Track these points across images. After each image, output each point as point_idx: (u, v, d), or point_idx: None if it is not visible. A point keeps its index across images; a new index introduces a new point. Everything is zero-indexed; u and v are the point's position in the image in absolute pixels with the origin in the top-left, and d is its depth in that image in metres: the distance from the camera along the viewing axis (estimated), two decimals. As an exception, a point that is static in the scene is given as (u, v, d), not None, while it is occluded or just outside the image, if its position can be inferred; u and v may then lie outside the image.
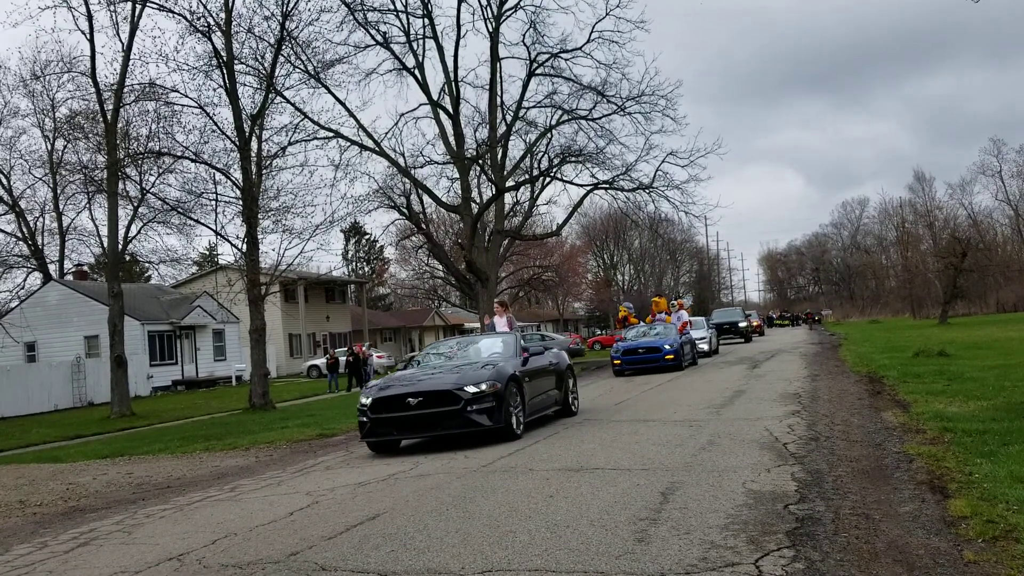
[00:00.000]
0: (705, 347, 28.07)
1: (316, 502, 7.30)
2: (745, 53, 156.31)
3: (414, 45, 31.74)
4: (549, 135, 33.00)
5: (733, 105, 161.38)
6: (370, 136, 30.78)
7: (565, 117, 32.72)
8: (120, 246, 25.64)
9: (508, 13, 32.42)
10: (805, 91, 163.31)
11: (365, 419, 10.31)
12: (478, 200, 34.28)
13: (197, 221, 26.51)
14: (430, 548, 5.22)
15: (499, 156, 33.02)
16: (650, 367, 21.36)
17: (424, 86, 31.94)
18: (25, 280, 39.07)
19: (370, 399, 10.32)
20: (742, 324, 42.21)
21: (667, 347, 21.62)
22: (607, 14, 31.02)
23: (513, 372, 10.47)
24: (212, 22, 24.10)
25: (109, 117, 23.76)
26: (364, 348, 34.59)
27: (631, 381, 19.28)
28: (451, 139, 32.32)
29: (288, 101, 27.18)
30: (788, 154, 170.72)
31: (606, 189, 33.59)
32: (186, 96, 25.03)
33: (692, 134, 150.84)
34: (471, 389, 9.89)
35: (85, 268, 42.43)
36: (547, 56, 32.47)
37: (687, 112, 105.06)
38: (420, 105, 33.01)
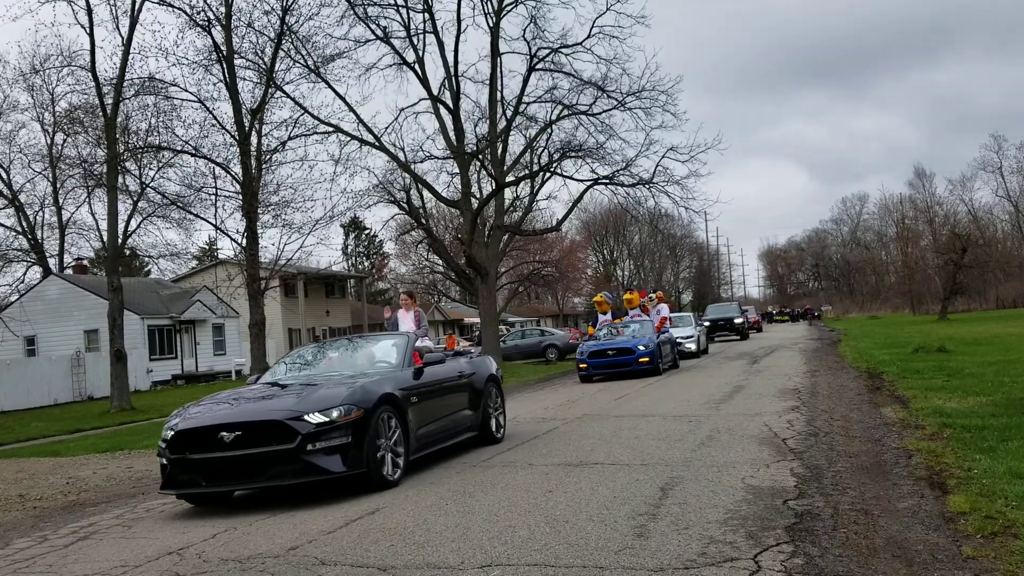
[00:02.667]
0: (691, 347, 25.64)
1: (315, 496, 7.29)
2: (747, 43, 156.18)
3: (414, 40, 31.68)
4: (549, 130, 32.95)
5: (734, 97, 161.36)
6: (370, 131, 30.75)
7: (565, 112, 32.67)
8: (120, 240, 25.61)
9: (508, 8, 32.36)
10: (808, 83, 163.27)
11: (164, 461, 7.29)
12: (478, 195, 34.25)
13: (197, 215, 26.53)
14: (429, 542, 5.22)
15: (499, 151, 32.99)
16: (622, 371, 18.62)
17: (424, 81, 31.90)
18: (25, 274, 39.13)
19: (171, 432, 7.28)
20: (738, 320, 40.41)
21: (641, 348, 18.76)
22: (608, 9, 30.97)
23: (388, 391, 7.55)
24: (212, 16, 24.10)
25: (109, 111, 23.71)
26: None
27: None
28: (451, 134, 32.29)
29: (288, 96, 27.16)
30: (790, 148, 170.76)
31: (606, 184, 33.55)
32: (186, 90, 24.97)
33: (692, 129, 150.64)
34: (314, 418, 6.89)
35: (85, 262, 42.43)
36: (547, 51, 32.41)
37: (688, 105, 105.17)
38: (420, 100, 32.89)
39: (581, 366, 19.25)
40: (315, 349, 9.90)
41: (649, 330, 20.11)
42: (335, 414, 6.98)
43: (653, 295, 24.30)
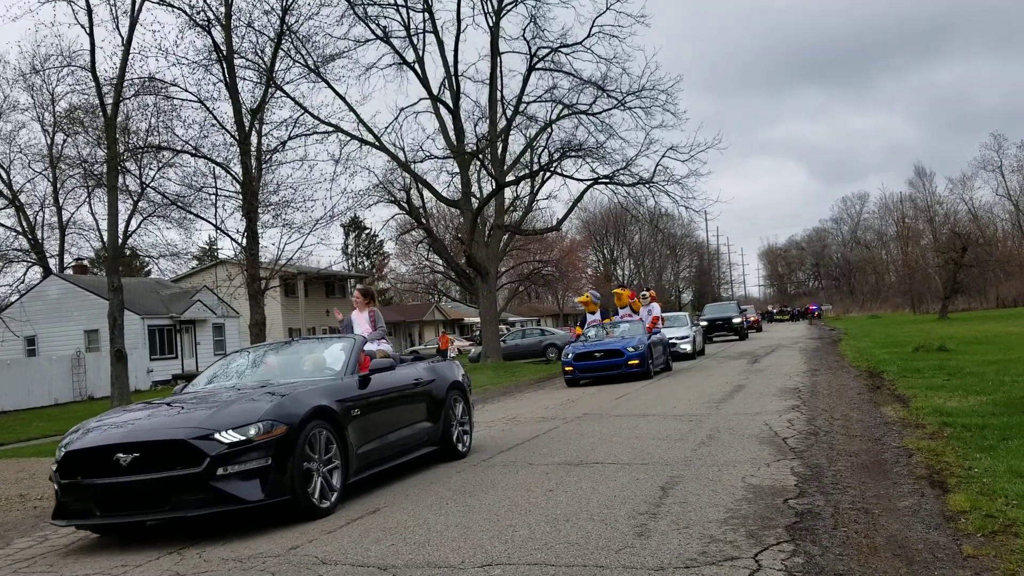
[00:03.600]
0: (687, 347, 24.40)
1: (316, 496, 7.30)
2: (747, 42, 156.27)
3: (414, 40, 31.70)
4: (549, 130, 32.97)
5: (734, 95, 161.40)
6: (370, 130, 30.77)
7: (565, 112, 32.69)
8: (120, 240, 25.61)
9: (508, 7, 32.37)
10: (808, 81, 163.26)
11: (56, 485, 6.35)
12: (478, 195, 34.26)
13: (197, 215, 26.53)
14: (430, 541, 5.23)
15: (499, 151, 33.00)
16: (610, 375, 17.55)
17: (424, 81, 31.91)
18: (25, 274, 39.17)
19: (63, 451, 6.31)
20: (736, 320, 38.90)
21: (630, 350, 17.65)
22: (607, 8, 31.00)
23: (321, 403, 6.57)
24: (212, 16, 24.09)
25: (109, 111, 23.71)
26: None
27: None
28: (451, 134, 32.30)
29: (288, 95, 27.16)
30: (790, 146, 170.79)
31: (606, 184, 33.57)
32: (186, 90, 24.96)
33: (693, 129, 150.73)
34: (226, 436, 5.94)
35: (85, 262, 42.46)
36: (547, 51, 32.44)
37: (688, 104, 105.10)
38: (420, 99, 32.93)
39: (567, 369, 18.12)
40: (252, 353, 8.63)
41: (639, 331, 19.05)
42: (252, 432, 5.99)
43: (645, 293, 22.64)
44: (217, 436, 5.95)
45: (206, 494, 5.85)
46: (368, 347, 8.38)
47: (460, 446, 8.69)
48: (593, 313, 21.25)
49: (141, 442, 6.02)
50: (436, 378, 8.64)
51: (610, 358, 17.64)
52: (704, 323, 36.65)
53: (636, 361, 17.45)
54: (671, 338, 22.68)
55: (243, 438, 5.97)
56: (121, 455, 5.93)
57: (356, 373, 7.47)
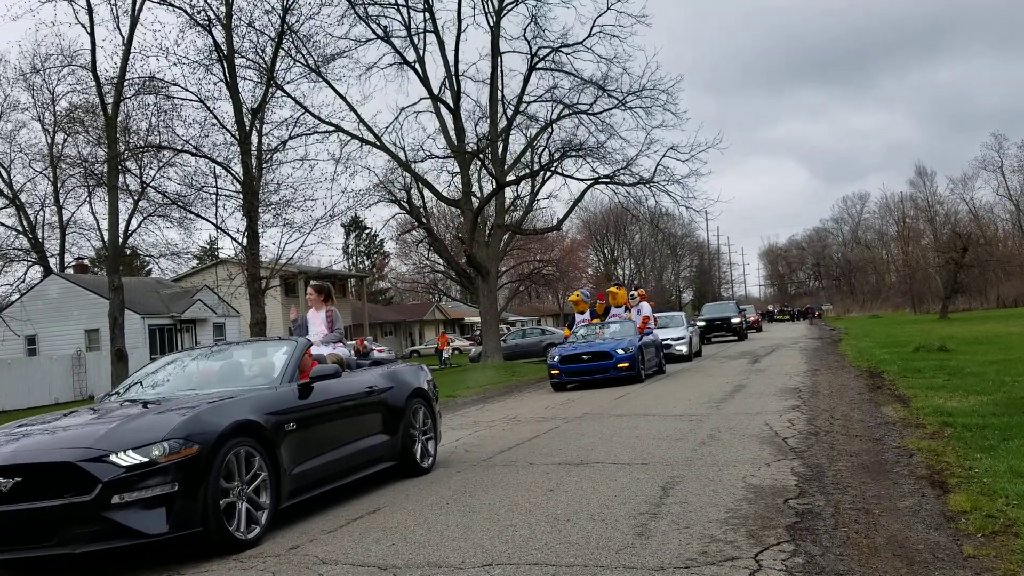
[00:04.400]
0: (682, 349, 23.39)
1: (316, 495, 7.29)
2: (748, 42, 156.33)
3: (415, 39, 31.71)
4: (550, 129, 32.99)
5: (735, 95, 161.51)
6: (371, 130, 30.77)
7: (566, 111, 32.71)
8: (120, 240, 25.65)
9: (509, 7, 32.39)
10: (809, 80, 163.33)
11: None
12: (479, 194, 34.27)
13: (197, 215, 26.58)
14: (430, 541, 5.23)
15: (500, 150, 33.01)
16: (598, 379, 16.63)
17: (425, 80, 31.91)
18: (25, 274, 39.20)
19: None
20: (735, 320, 37.78)
21: (620, 352, 16.70)
22: (608, 8, 31.02)
23: (246, 417, 5.74)
24: (213, 16, 24.13)
25: (109, 111, 23.75)
26: (365, 342, 34.69)
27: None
28: (452, 133, 32.31)
29: (288, 95, 27.19)
30: (791, 146, 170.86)
31: (607, 183, 33.58)
32: (186, 90, 25.02)
33: (693, 128, 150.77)
34: (124, 458, 5.12)
35: (85, 262, 42.48)
36: (548, 51, 32.45)
37: (689, 103, 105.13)
38: (421, 99, 32.95)
39: (552, 372, 17.14)
40: (186, 358, 7.78)
41: (630, 331, 18.14)
42: (156, 452, 5.15)
43: (635, 292, 21.31)
44: (113, 458, 5.08)
45: (99, 526, 4.99)
46: (320, 350, 7.73)
47: (422, 461, 7.82)
48: (583, 313, 20.40)
49: (23, 464, 5.12)
50: (394, 385, 7.73)
51: (598, 361, 16.71)
52: (702, 323, 36.04)
53: (626, 364, 16.55)
54: (665, 339, 21.98)
55: (144, 460, 5.10)
56: (1, 480, 5.06)
57: (295, 381, 6.60)
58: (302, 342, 7.30)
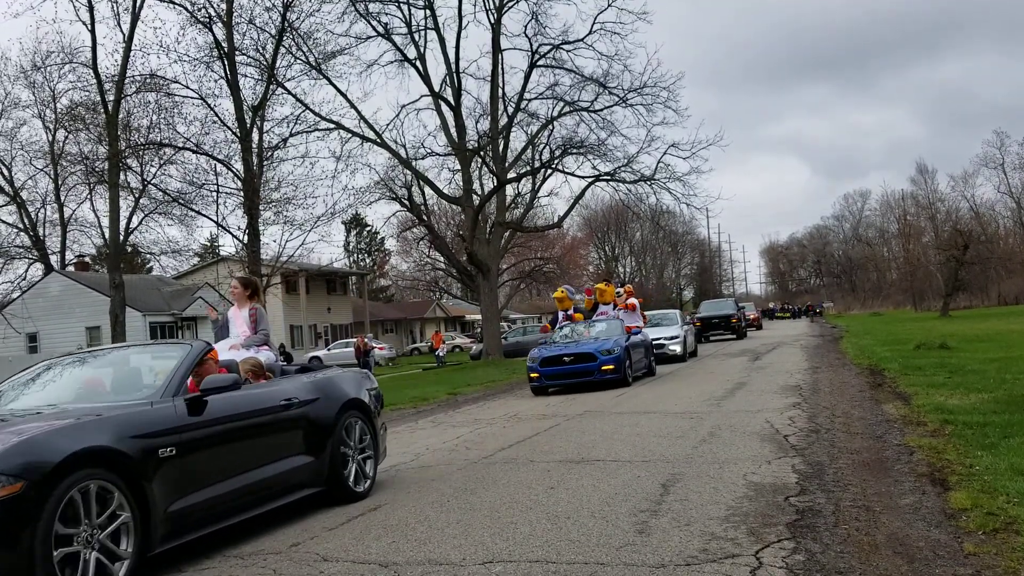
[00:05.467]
0: (676, 348, 22.31)
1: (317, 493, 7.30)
2: (750, 38, 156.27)
3: (415, 36, 31.73)
4: (550, 127, 33.03)
5: (737, 91, 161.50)
6: (371, 127, 30.80)
7: (567, 109, 32.74)
8: (121, 237, 25.68)
9: (510, 4, 32.40)
10: (811, 77, 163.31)
11: None
12: (479, 192, 34.29)
13: (198, 212, 26.60)
14: (431, 539, 5.23)
15: (500, 148, 33.02)
16: (581, 382, 15.51)
17: (425, 77, 31.91)
18: (27, 271, 39.22)
19: None
20: (734, 318, 36.36)
21: (604, 353, 15.53)
22: (609, 5, 31.07)
23: (94, 444, 4.55)
24: (213, 13, 24.14)
25: (110, 108, 23.77)
26: (366, 340, 34.73)
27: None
28: (452, 131, 32.33)
29: (289, 92, 27.22)
30: (793, 143, 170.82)
31: (608, 181, 33.63)
32: (187, 87, 25.07)
33: (694, 125, 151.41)
34: None
35: (86, 259, 42.53)
36: (549, 48, 32.49)
37: (690, 100, 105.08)
38: (421, 96, 33.01)
39: (532, 376, 15.94)
40: (59, 364, 6.46)
41: (617, 331, 16.97)
42: None
43: (621, 289, 20.09)
44: None
45: None
46: (231, 356, 6.76)
47: (356, 485, 6.71)
48: (567, 310, 19.46)
49: None
50: (321, 396, 6.57)
51: (581, 363, 15.54)
52: (700, 321, 35.22)
53: (611, 366, 15.39)
54: (658, 339, 21.09)
55: None
56: None
57: (182, 394, 5.46)
58: (197, 346, 6.04)
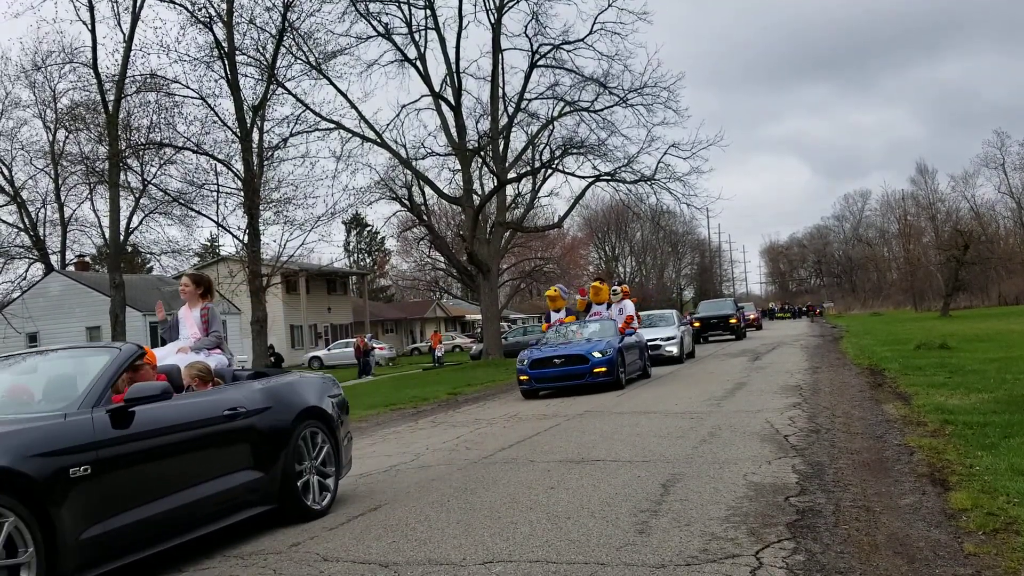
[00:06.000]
0: (672, 350, 21.60)
1: (318, 493, 7.30)
2: (750, 36, 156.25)
3: (416, 36, 31.74)
4: (551, 127, 33.04)
5: (737, 91, 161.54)
6: (372, 127, 30.80)
7: (567, 109, 32.75)
8: (121, 237, 25.70)
9: (510, 4, 32.41)
10: (811, 76, 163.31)
11: None
12: (480, 192, 34.30)
13: (198, 212, 26.62)
14: (431, 539, 5.23)
15: (501, 148, 33.03)
16: (572, 385, 14.94)
17: (426, 77, 31.92)
18: (27, 271, 39.20)
19: None
20: (733, 318, 35.59)
21: (596, 355, 14.90)
22: (609, 5, 31.08)
23: None
24: (214, 13, 24.16)
25: (110, 108, 23.77)
26: (366, 340, 34.73)
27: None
28: (453, 131, 32.34)
29: (290, 92, 27.23)
30: (793, 143, 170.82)
31: (608, 181, 33.64)
32: (187, 87, 25.10)
33: (695, 125, 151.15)
34: None
35: (87, 259, 42.51)
36: (549, 48, 32.49)
37: (690, 99, 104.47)
38: (422, 96, 33.00)
39: (521, 378, 15.34)
40: None
41: (610, 332, 16.42)
42: None
43: (617, 288, 19.36)
44: None
45: None
46: (186, 358, 6.28)
47: (314, 501, 6.16)
48: (559, 311, 18.76)
49: None
50: (274, 405, 6.01)
51: (572, 365, 14.97)
52: (698, 322, 34.86)
53: (603, 369, 14.81)
54: (654, 339, 20.60)
55: None
56: None
57: (104, 405, 4.86)
58: (127, 350, 5.45)
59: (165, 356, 6.33)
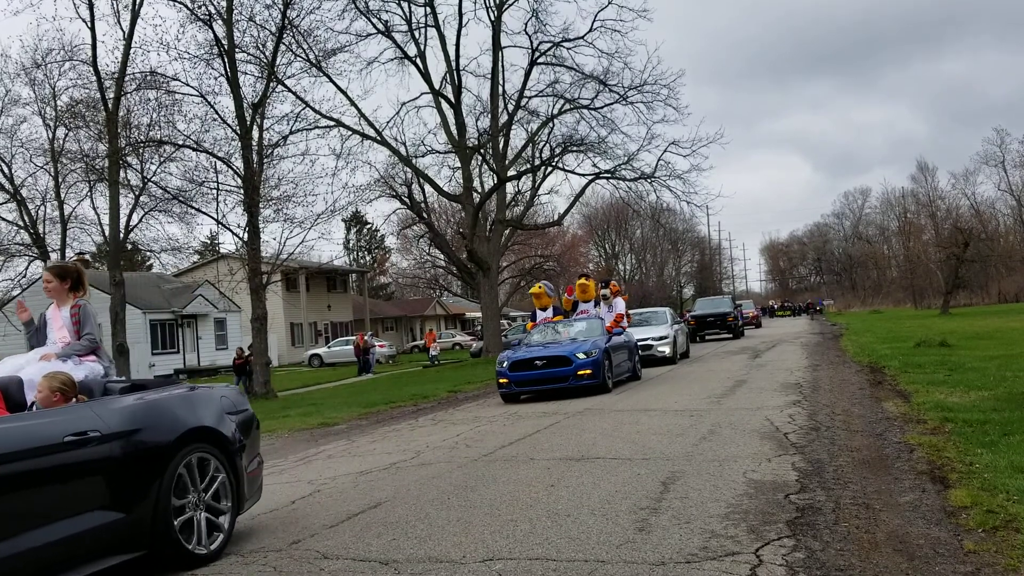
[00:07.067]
0: (665, 350, 20.49)
1: (318, 491, 7.32)
2: (751, 33, 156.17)
3: (416, 34, 31.73)
4: (551, 124, 33.03)
5: (738, 88, 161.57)
6: (372, 125, 30.80)
7: (567, 106, 32.74)
8: (121, 235, 25.67)
9: (510, 2, 32.42)
10: (812, 72, 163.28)
11: None
12: (480, 189, 34.29)
13: (198, 210, 26.55)
14: (431, 536, 5.23)
15: (501, 145, 33.02)
16: (555, 388, 14.01)
17: (426, 75, 31.91)
18: (27, 269, 39.15)
19: None
20: (731, 316, 34.48)
21: (580, 356, 13.95)
22: (609, 3, 31.07)
23: None
24: (213, 10, 24.08)
25: (110, 106, 23.75)
26: (365, 337, 34.73)
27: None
28: (453, 128, 32.32)
29: (289, 90, 27.21)
30: (794, 140, 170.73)
31: (608, 178, 33.65)
32: (187, 84, 25.01)
33: (695, 123, 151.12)
34: None
35: (87, 257, 42.47)
36: (549, 45, 32.48)
37: (690, 96, 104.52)
38: (422, 94, 33.02)
39: (501, 381, 14.34)
40: None
41: (597, 331, 15.47)
42: None
43: (607, 291, 18.17)
44: None
45: None
46: (48, 367, 5.16)
47: (196, 544, 5.00)
48: (544, 309, 17.79)
49: None
50: (144, 426, 4.82)
51: (555, 367, 14.03)
52: (694, 320, 34.20)
53: (588, 371, 13.87)
54: (645, 339, 19.76)
55: None
56: None
57: None
58: None
59: (25, 365, 5.27)
